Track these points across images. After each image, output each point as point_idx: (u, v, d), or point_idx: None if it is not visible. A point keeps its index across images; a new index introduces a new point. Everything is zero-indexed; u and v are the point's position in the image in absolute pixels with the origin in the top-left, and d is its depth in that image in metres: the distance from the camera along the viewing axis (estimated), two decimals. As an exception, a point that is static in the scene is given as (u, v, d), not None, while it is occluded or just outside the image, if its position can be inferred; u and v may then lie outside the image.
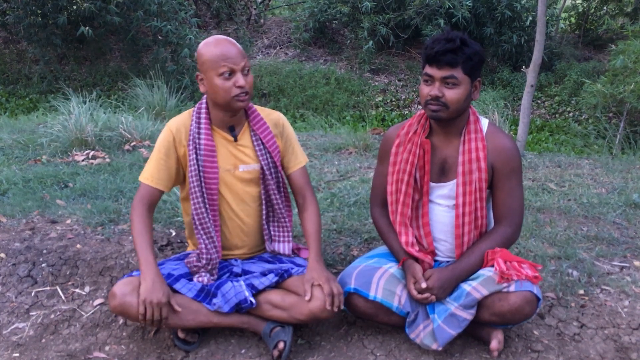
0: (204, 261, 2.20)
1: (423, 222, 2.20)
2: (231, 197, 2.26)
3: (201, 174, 2.18)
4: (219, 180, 2.22)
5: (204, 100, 2.24)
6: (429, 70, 2.03)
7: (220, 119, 2.22)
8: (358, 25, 9.76)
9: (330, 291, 2.06)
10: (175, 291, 2.15)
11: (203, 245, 2.20)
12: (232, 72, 2.08)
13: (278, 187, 2.32)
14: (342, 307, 2.10)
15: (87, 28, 8.27)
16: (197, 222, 2.20)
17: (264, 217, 2.32)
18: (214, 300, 2.13)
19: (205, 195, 2.19)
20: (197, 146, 2.18)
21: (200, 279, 2.19)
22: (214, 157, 2.20)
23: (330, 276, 2.12)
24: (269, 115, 2.31)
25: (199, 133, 2.19)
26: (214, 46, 2.09)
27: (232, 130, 2.24)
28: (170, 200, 3.31)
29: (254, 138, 2.26)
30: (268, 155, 2.26)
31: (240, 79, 2.09)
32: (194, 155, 2.17)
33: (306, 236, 2.29)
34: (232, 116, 2.21)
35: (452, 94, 2.01)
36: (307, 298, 2.07)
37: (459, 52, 1.97)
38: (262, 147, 2.26)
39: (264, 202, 2.30)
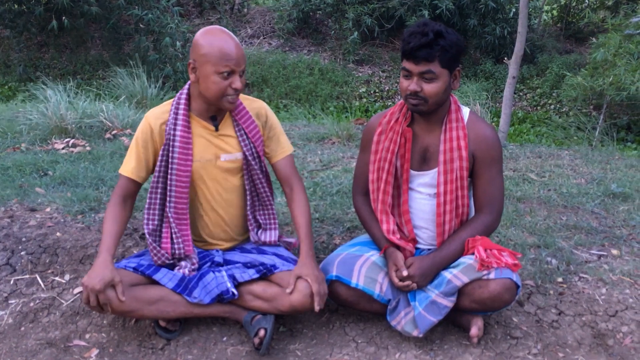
0: (160, 256, 2.17)
1: (403, 209, 2.21)
2: (213, 188, 2.22)
3: (172, 166, 2.13)
4: (200, 171, 2.18)
5: (185, 90, 2.18)
6: (406, 65, 2.02)
7: (202, 109, 2.16)
8: (342, 16, 9.74)
9: (318, 291, 2.04)
10: (155, 282, 2.12)
11: (151, 240, 2.16)
12: (231, 73, 2.04)
13: (263, 174, 2.28)
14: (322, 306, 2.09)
15: (64, 19, 8.15)
16: (151, 214, 2.18)
17: (248, 206, 2.28)
18: (194, 293, 2.11)
19: (170, 188, 2.14)
20: (172, 138, 2.13)
21: (181, 270, 2.16)
22: (189, 150, 2.14)
23: (320, 275, 2.09)
24: (252, 104, 2.27)
25: (175, 124, 2.13)
26: (218, 41, 2.01)
27: (214, 119, 2.19)
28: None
29: (236, 128, 2.21)
30: (251, 144, 2.22)
31: (237, 81, 2.05)
32: (167, 147, 2.13)
33: (297, 229, 2.24)
34: (216, 108, 2.16)
35: (430, 88, 2.01)
36: (288, 291, 2.06)
37: (435, 46, 1.95)
38: (245, 136, 2.21)
39: (248, 191, 2.26)
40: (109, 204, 2.16)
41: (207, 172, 2.20)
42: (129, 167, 2.17)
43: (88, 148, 4.29)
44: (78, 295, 2.42)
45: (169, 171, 2.14)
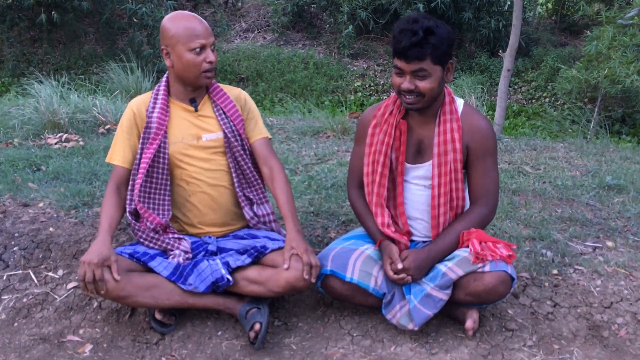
0: (140, 232, 2.22)
1: (398, 202, 2.20)
2: (198, 168, 2.26)
3: (144, 146, 2.21)
4: (182, 152, 2.24)
5: (164, 79, 2.28)
6: (398, 63, 2.00)
7: (181, 92, 2.25)
8: (337, 9, 9.71)
9: (308, 261, 2.07)
10: (151, 270, 2.13)
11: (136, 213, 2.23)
12: (202, 48, 2.13)
13: (246, 153, 2.31)
14: (316, 281, 2.14)
15: (53, 13, 8.10)
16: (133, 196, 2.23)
17: (236, 184, 2.30)
18: (189, 280, 2.12)
19: (145, 164, 2.21)
20: (150, 120, 2.22)
21: (175, 258, 2.17)
22: (161, 131, 2.21)
23: (309, 248, 2.13)
24: (231, 91, 2.35)
25: (154, 107, 2.23)
26: (183, 21, 2.12)
27: (193, 101, 2.27)
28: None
29: (215, 109, 2.29)
30: (231, 123, 2.28)
31: (210, 55, 2.15)
32: (146, 129, 2.22)
33: (280, 206, 2.26)
34: (194, 90, 2.25)
35: (424, 84, 2.00)
36: (285, 267, 2.08)
37: (426, 45, 1.93)
38: (224, 116, 2.28)
39: (233, 169, 2.29)
40: (105, 193, 2.21)
41: (190, 153, 2.25)
42: (116, 154, 2.25)
43: (81, 143, 4.27)
44: (72, 290, 2.41)
45: (144, 151, 2.22)
